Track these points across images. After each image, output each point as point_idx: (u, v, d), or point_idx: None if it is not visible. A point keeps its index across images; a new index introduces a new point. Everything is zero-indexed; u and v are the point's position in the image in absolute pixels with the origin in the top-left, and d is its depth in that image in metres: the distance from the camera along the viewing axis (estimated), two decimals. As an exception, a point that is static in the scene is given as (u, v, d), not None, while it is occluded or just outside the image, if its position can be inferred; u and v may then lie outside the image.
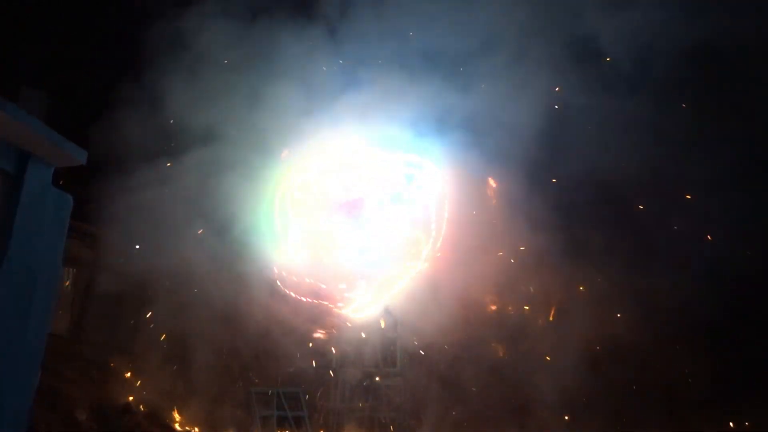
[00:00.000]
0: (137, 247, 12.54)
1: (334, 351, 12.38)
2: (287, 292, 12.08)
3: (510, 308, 12.53)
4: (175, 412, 11.49)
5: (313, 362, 12.39)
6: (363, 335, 12.36)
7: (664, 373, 11.99)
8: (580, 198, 12.08)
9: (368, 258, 12.18)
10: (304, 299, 12.20)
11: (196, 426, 11.36)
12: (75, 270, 12.78)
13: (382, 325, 12.44)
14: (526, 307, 12.54)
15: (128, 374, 11.92)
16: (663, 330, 11.80)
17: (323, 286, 12.18)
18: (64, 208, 4.53)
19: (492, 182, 12.55)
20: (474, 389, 11.83)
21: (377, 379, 12.20)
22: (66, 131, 4.41)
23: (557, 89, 12.44)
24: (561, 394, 11.28)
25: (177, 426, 11.22)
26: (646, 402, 12.00)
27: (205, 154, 11.65)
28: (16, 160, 4.21)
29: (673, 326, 11.82)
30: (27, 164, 4.25)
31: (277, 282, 12.12)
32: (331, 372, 12.33)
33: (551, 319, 12.19)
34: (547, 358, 11.88)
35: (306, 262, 12.21)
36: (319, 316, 12.32)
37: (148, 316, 12.96)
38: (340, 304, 12.24)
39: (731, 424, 12.14)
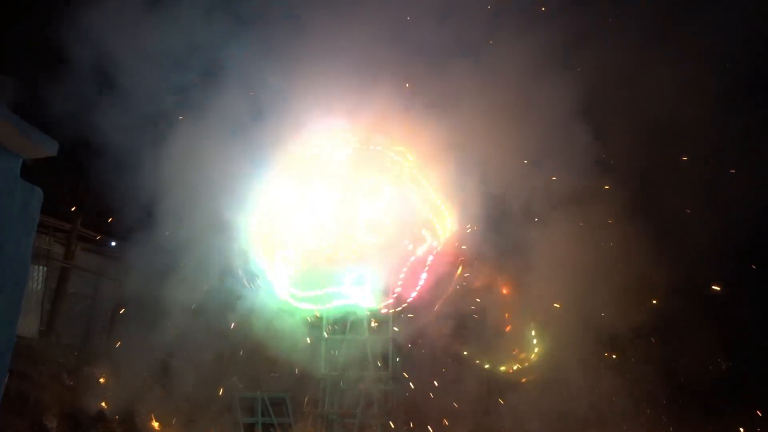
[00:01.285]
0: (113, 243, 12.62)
1: (322, 352, 12.30)
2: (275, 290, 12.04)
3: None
4: (153, 419, 11.44)
5: (301, 365, 12.38)
6: (354, 336, 12.33)
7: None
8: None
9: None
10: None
11: (175, 434, 11.30)
12: (45, 268, 12.62)
13: (374, 324, 12.41)
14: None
15: (102, 379, 11.85)
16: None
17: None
18: (33, 201, 4.45)
19: None
20: None
21: (369, 383, 12.13)
22: (37, 120, 4.34)
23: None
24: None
25: (154, 434, 11.16)
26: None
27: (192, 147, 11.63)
28: (-19, 151, 4.17)
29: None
30: (-7, 155, 4.20)
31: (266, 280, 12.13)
32: (319, 376, 12.24)
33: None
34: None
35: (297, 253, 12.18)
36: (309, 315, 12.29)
37: (123, 316, 12.93)
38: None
39: (741, 430, 12.20)
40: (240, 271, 11.99)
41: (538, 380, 11.95)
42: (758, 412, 11.99)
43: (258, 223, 12.16)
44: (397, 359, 12.24)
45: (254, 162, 11.91)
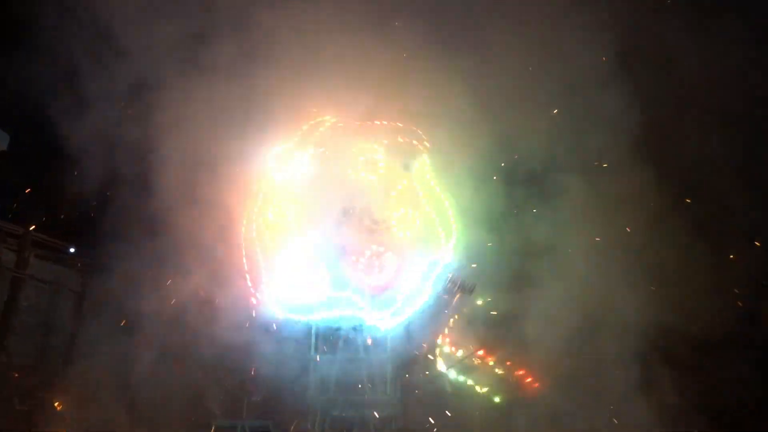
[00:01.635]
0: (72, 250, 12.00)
1: (311, 376, 11.75)
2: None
3: None
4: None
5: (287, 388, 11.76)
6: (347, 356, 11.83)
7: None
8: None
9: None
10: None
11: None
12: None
13: (369, 342, 11.83)
14: None
15: (59, 404, 11.65)
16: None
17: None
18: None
19: None
20: None
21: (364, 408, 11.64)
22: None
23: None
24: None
25: (119, 468, 11.05)
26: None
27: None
28: None
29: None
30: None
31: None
32: (307, 401, 11.67)
33: None
34: None
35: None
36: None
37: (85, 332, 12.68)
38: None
39: None
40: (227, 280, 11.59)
41: (557, 398, 11.46)
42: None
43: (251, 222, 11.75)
44: (396, 382, 11.81)
45: (244, 149, 11.62)
